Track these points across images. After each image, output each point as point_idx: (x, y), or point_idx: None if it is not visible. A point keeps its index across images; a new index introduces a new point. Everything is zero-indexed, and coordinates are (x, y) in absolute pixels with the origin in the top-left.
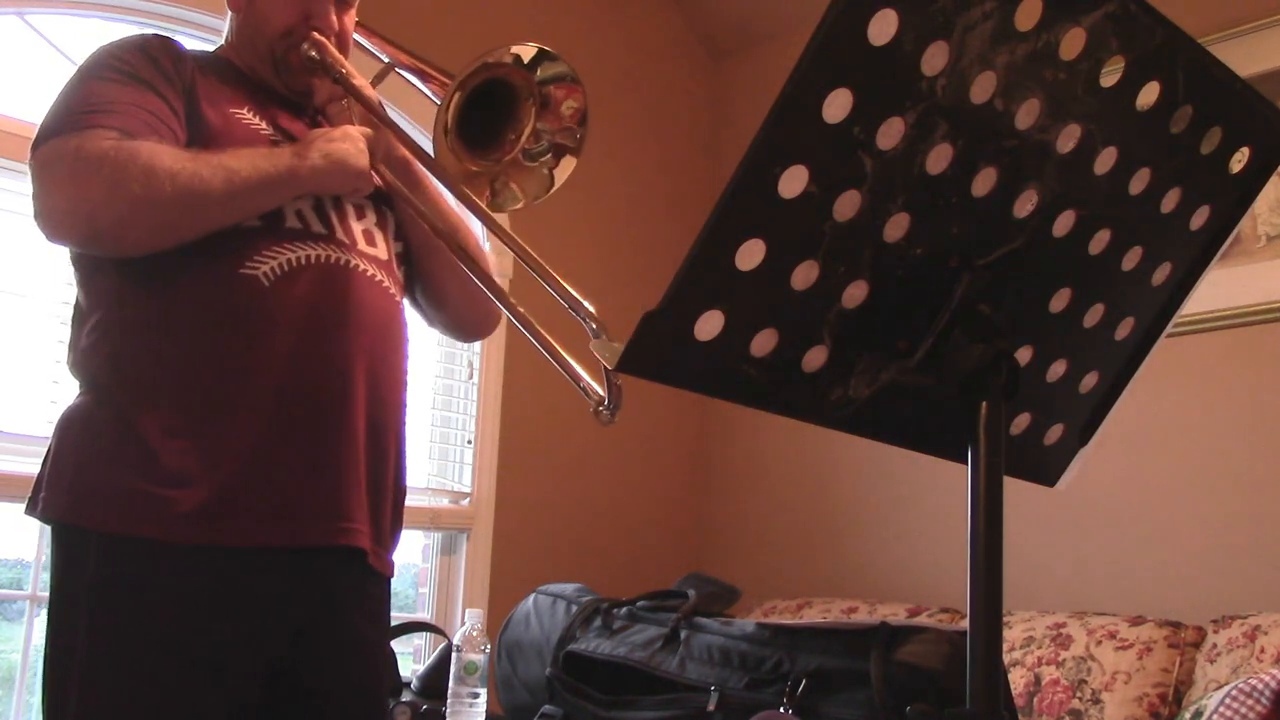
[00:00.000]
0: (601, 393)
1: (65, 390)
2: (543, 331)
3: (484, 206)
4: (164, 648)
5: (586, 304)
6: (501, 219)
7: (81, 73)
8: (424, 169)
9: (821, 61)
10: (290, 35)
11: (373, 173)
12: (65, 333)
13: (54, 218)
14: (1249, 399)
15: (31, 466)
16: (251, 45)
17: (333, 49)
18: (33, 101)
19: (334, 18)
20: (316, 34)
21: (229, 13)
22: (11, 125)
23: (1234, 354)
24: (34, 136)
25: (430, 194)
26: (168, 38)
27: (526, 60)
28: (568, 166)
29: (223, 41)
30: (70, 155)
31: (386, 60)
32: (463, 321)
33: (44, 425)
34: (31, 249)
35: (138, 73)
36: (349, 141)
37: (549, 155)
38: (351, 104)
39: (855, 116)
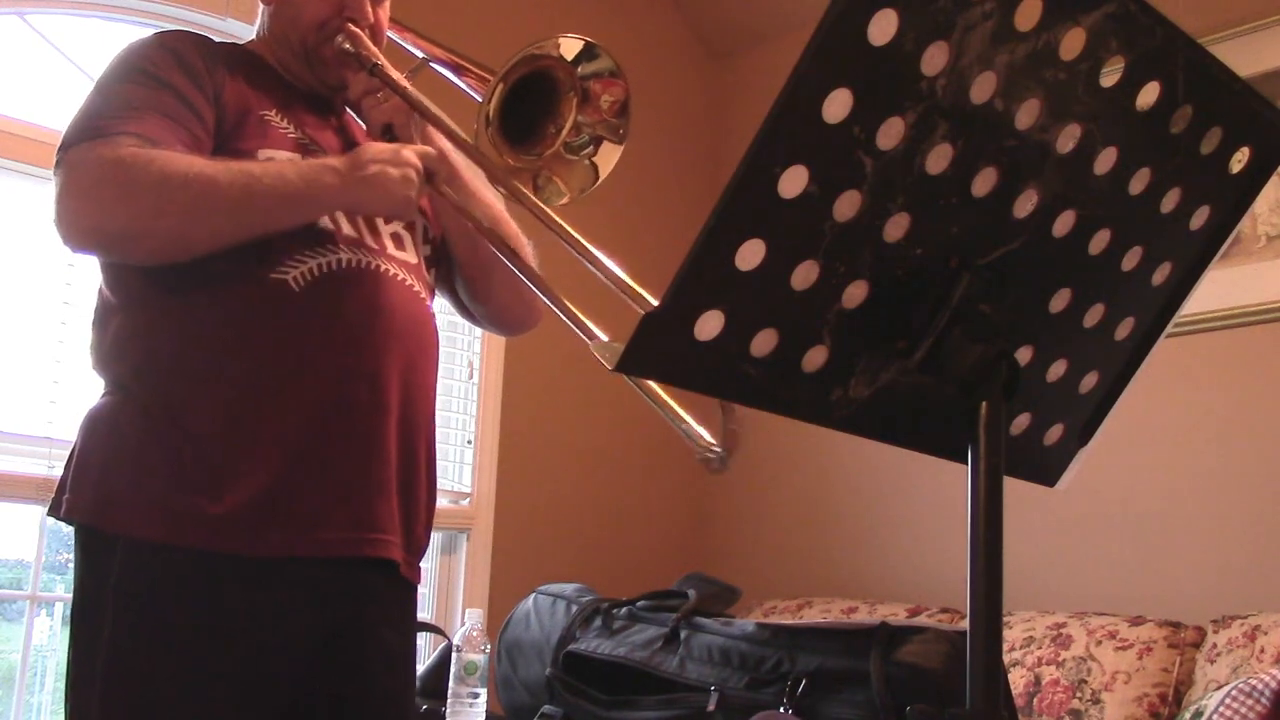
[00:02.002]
0: (709, 439)
1: (65, 390)
2: (593, 325)
3: (534, 198)
4: (190, 656)
5: (647, 295)
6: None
7: (107, 75)
8: (460, 164)
9: (821, 61)
10: (324, 28)
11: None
12: (65, 333)
13: (69, 225)
14: (1249, 399)
15: (32, 466)
16: (284, 38)
17: (367, 41)
18: (32, 101)
19: (369, 9)
20: (351, 26)
21: (261, 6)
22: (11, 125)
23: (1234, 354)
24: (59, 142)
25: (468, 190)
26: (197, 34)
27: (571, 54)
28: (611, 156)
29: (254, 36)
30: (88, 163)
31: (421, 56)
32: (507, 317)
33: (44, 425)
34: (32, 249)
35: (163, 75)
36: (396, 165)
37: (590, 147)
38: (387, 97)
39: (855, 116)
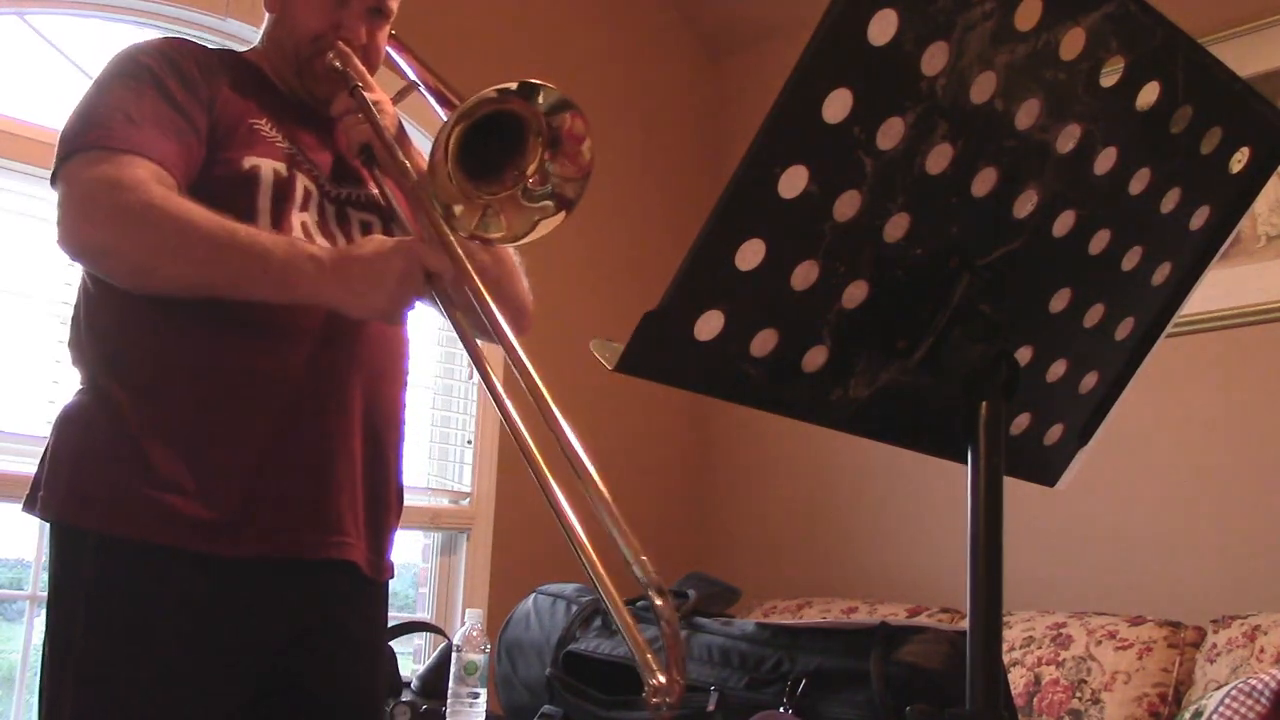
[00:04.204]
0: (661, 679)
1: (65, 390)
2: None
3: (462, 257)
4: (160, 650)
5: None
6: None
7: (104, 79)
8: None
9: (821, 61)
10: (317, 42)
11: (390, 181)
12: (65, 333)
13: (64, 236)
14: (1249, 399)
15: (31, 466)
16: (280, 48)
17: (356, 62)
18: (33, 101)
19: (363, 31)
20: (343, 44)
21: (265, 14)
22: (11, 125)
23: (1234, 354)
24: (59, 144)
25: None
26: (193, 42)
27: (532, 95)
28: (554, 220)
29: (256, 43)
30: (85, 179)
31: (412, 79)
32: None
33: (44, 425)
34: (32, 249)
35: (160, 82)
36: (391, 275)
37: (548, 201)
38: (366, 119)
39: (855, 116)
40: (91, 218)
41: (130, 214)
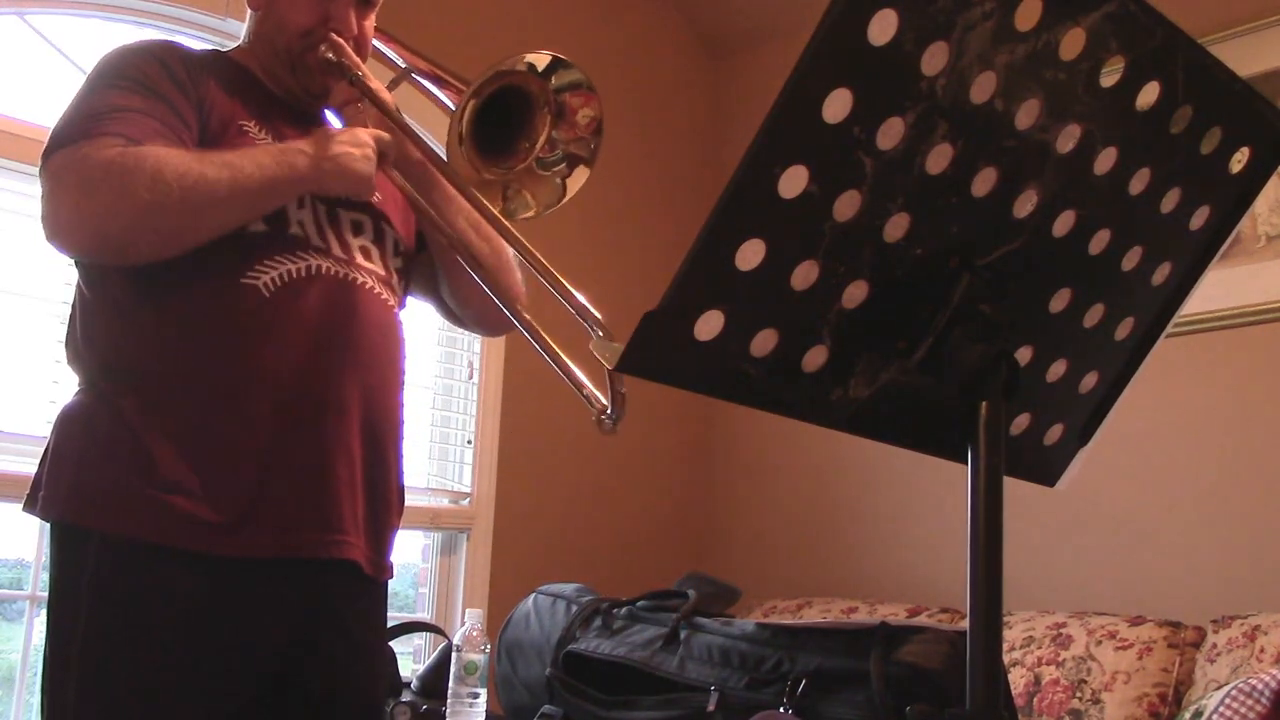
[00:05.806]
0: (605, 401)
1: (65, 390)
2: (547, 337)
3: (495, 211)
4: (162, 649)
5: (594, 310)
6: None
7: (91, 80)
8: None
9: (821, 61)
10: (309, 36)
11: (384, 176)
12: (65, 332)
13: (63, 229)
14: (1249, 399)
15: (32, 466)
16: (269, 45)
17: (350, 51)
18: (33, 101)
19: (353, 21)
20: (335, 36)
21: (249, 11)
22: (11, 125)
23: (1234, 354)
24: (44, 146)
25: (447, 195)
26: (179, 45)
27: (541, 68)
28: (580, 177)
29: (240, 41)
30: (78, 164)
31: (403, 66)
32: (488, 319)
33: (44, 425)
34: (31, 249)
35: (148, 80)
36: (356, 145)
37: (562, 165)
38: (367, 107)
39: (855, 116)
40: (101, 203)
41: (144, 188)
